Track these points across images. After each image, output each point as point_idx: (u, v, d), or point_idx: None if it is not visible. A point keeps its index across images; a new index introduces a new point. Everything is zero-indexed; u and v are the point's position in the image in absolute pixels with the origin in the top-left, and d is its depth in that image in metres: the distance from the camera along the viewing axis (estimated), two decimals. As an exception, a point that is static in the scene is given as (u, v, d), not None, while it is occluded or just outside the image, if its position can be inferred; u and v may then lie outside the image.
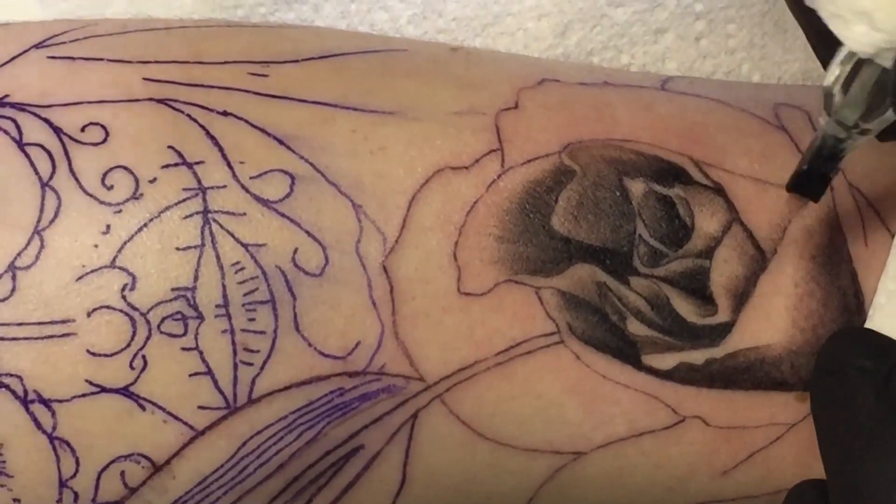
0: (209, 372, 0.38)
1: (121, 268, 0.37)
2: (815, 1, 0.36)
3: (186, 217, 0.38)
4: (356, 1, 0.52)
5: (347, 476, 0.40)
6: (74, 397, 0.37)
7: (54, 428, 0.37)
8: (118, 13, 0.51)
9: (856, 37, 0.35)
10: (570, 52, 0.52)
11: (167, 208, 0.38)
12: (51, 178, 0.38)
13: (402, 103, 0.41)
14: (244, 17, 0.51)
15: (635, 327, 0.40)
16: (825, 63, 0.38)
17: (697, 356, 0.40)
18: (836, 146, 0.39)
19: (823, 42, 0.37)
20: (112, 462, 0.38)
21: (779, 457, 0.42)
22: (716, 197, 0.41)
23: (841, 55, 0.37)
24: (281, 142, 0.39)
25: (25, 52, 0.40)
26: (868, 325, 0.41)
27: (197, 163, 0.38)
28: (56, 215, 0.37)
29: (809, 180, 0.40)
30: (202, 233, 0.38)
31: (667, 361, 0.40)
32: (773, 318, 0.41)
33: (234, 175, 0.38)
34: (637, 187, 0.41)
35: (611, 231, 0.40)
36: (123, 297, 0.37)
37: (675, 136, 0.42)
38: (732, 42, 0.53)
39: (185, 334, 0.38)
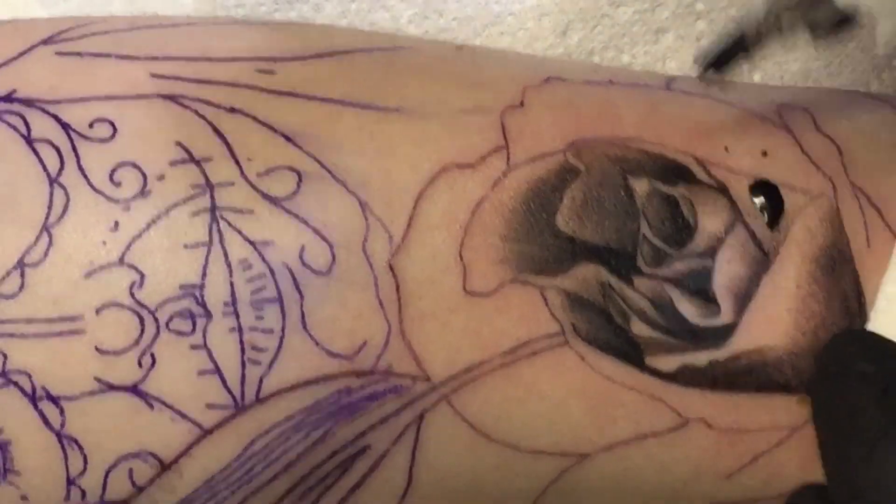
0: (217, 370, 0.38)
1: (129, 265, 0.37)
2: None
3: (194, 214, 0.38)
4: (357, 0, 0.52)
5: (354, 477, 0.40)
6: (83, 395, 0.37)
7: (62, 425, 0.37)
8: (117, 13, 0.51)
9: None
10: (571, 52, 0.52)
11: (175, 205, 0.38)
12: (59, 174, 0.38)
13: (408, 101, 0.41)
14: (246, 17, 0.51)
15: (639, 328, 0.40)
16: None
17: (700, 358, 0.40)
18: (756, 33, 0.40)
19: None
20: (120, 460, 0.38)
21: (782, 460, 0.42)
22: (719, 196, 0.41)
23: None
24: (288, 139, 0.39)
25: (33, 48, 0.40)
26: (870, 327, 0.41)
27: (205, 159, 0.38)
28: (64, 212, 0.37)
29: (720, 57, 0.41)
30: (210, 230, 0.38)
31: (670, 363, 0.40)
32: (775, 320, 0.41)
33: (242, 172, 0.38)
34: (641, 186, 0.41)
35: (615, 230, 0.40)
36: (132, 295, 0.37)
37: (679, 135, 0.42)
38: (733, 42, 0.53)
39: (193, 332, 0.38)
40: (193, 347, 0.38)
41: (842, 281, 0.41)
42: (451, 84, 0.42)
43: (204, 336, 0.38)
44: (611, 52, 0.52)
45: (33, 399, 0.37)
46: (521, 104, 0.42)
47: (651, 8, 0.52)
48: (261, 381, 0.38)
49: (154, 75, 0.40)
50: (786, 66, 0.53)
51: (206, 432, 0.38)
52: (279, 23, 0.48)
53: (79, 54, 0.40)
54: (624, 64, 0.52)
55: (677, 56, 0.53)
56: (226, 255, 0.38)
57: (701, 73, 0.41)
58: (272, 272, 0.38)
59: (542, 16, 0.52)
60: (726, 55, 0.40)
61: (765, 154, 0.42)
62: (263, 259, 0.38)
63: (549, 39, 0.52)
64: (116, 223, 0.38)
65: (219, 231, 0.38)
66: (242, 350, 0.38)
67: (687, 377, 0.40)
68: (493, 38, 0.52)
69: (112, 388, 0.37)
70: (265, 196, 0.38)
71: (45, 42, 0.40)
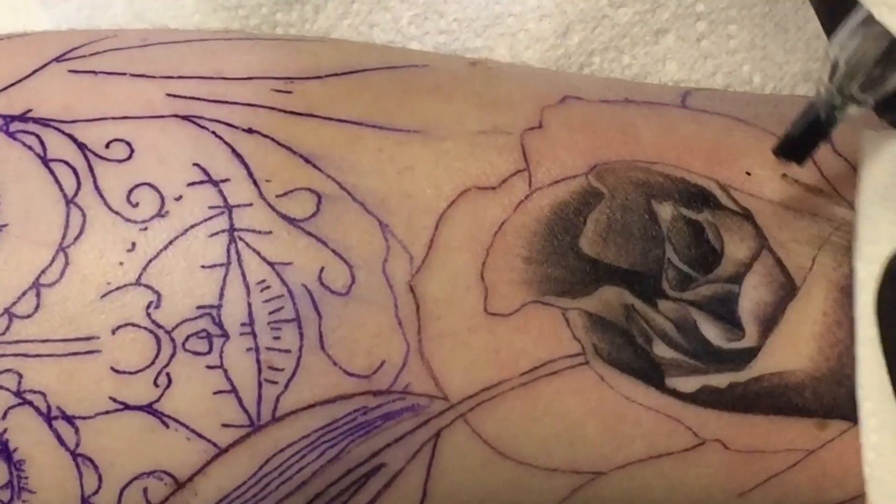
0: (233, 390, 0.38)
1: (146, 285, 0.37)
2: None
3: (212, 235, 0.38)
4: (357, 1, 0.51)
5: (368, 494, 0.40)
6: (98, 414, 0.37)
7: (77, 444, 0.37)
8: (119, 14, 0.51)
9: None
10: (572, 53, 0.52)
11: (193, 226, 0.38)
12: (76, 194, 0.38)
13: (426, 122, 0.41)
14: (245, 17, 0.51)
15: (661, 350, 0.40)
16: (829, 31, 0.38)
17: (721, 379, 0.40)
18: (830, 114, 0.39)
19: (830, 11, 0.37)
20: (134, 479, 0.38)
21: (795, 482, 0.42)
22: (744, 223, 0.41)
23: (850, 26, 0.37)
24: (307, 160, 0.39)
25: (46, 65, 0.40)
26: None
27: (223, 181, 0.38)
28: (81, 232, 0.37)
29: (797, 146, 0.40)
30: (228, 251, 0.38)
31: (690, 384, 0.40)
32: (800, 346, 0.40)
33: (261, 193, 0.38)
34: (665, 211, 0.40)
35: (640, 254, 0.40)
36: (148, 315, 0.37)
37: (699, 159, 0.42)
38: (733, 43, 0.53)
39: (209, 352, 0.37)
40: (210, 367, 0.38)
41: None
42: (469, 104, 0.42)
43: (220, 356, 0.38)
44: (611, 53, 0.52)
45: (48, 418, 0.37)
46: (540, 125, 0.41)
47: (651, 9, 0.52)
48: (277, 400, 0.38)
49: (170, 95, 0.39)
50: (786, 66, 0.53)
51: (222, 451, 0.38)
52: (290, 38, 0.47)
53: (93, 73, 0.40)
54: (624, 65, 0.52)
55: (677, 57, 0.53)
56: (244, 275, 0.38)
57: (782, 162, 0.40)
58: (291, 293, 0.38)
59: (542, 17, 0.52)
60: (805, 145, 0.40)
61: (785, 177, 0.42)
62: (282, 280, 0.38)
63: (550, 41, 0.52)
64: (134, 244, 0.37)
65: (237, 252, 0.38)
66: (259, 370, 0.38)
67: (706, 398, 0.40)
68: (494, 39, 0.52)
69: (127, 407, 0.37)
70: (284, 217, 0.38)
71: (58, 59, 0.40)
